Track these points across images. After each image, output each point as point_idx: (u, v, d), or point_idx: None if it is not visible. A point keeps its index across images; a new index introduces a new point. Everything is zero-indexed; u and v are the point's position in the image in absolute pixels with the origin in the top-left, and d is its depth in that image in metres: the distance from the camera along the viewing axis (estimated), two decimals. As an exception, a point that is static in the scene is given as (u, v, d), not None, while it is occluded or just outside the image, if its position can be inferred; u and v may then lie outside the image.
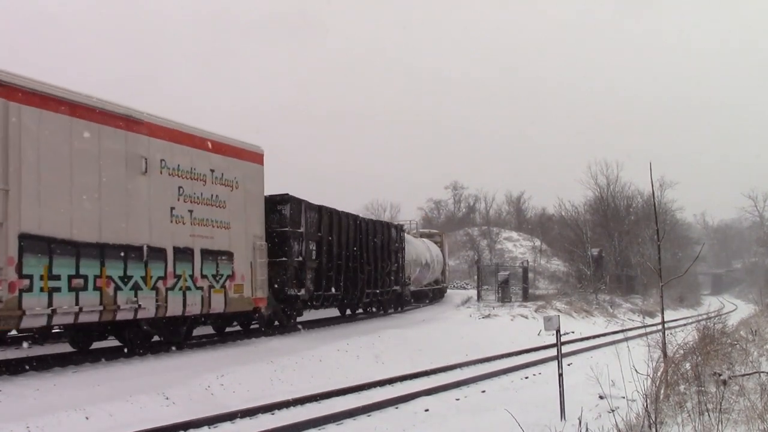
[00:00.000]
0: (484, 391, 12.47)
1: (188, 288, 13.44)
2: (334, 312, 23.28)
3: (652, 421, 6.50)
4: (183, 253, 13.37)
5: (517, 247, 71.37)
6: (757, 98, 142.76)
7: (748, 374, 8.69)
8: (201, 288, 13.83)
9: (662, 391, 7.95)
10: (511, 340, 20.89)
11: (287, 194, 17.45)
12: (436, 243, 36.90)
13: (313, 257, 18.59)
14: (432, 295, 35.50)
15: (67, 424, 8.18)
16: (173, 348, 13.85)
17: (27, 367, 10.86)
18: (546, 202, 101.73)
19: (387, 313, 25.92)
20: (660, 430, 6.65)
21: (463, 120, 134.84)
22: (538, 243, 70.76)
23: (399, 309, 27.65)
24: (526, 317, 26.49)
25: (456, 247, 59.49)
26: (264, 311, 16.44)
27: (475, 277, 42.93)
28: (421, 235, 37.79)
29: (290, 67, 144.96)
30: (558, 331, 9.72)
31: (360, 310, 24.82)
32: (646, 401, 6.89)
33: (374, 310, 25.37)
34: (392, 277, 25.22)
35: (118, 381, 10.40)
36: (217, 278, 14.39)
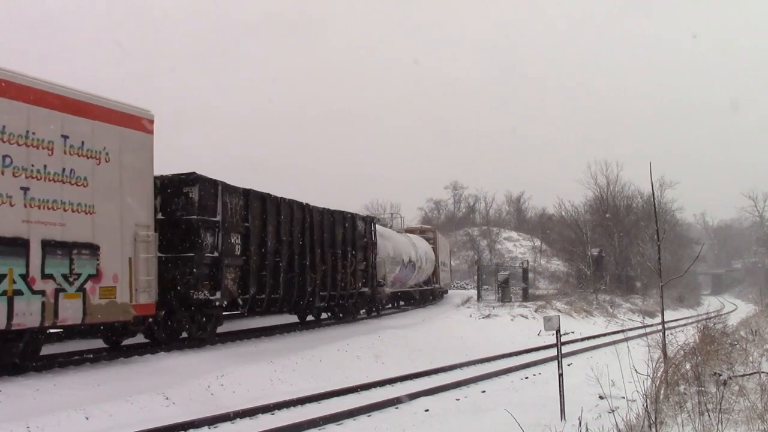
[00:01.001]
0: (484, 392, 12.47)
1: (18, 293, 9.89)
2: (290, 318, 20.26)
3: (652, 421, 6.51)
4: (9, 246, 9.86)
5: (517, 247, 71.42)
6: (758, 98, 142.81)
7: (748, 374, 8.69)
8: (41, 292, 10.27)
9: (662, 392, 7.95)
10: (511, 340, 20.90)
11: (194, 173, 13.79)
12: (428, 240, 34.28)
13: (237, 252, 14.94)
14: (419, 297, 32.53)
15: (67, 424, 8.18)
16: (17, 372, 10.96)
17: (27, 367, 10.84)
18: (546, 202, 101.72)
19: (356, 318, 22.48)
20: (660, 430, 6.65)
21: (464, 120, 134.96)
22: (538, 243, 70.82)
23: (373, 313, 24.58)
24: (526, 317, 26.50)
25: (456, 247, 59.51)
26: (155, 320, 13.20)
27: (475, 277, 42.93)
28: (411, 231, 35.07)
29: (290, 68, 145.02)
30: (558, 331, 9.72)
31: (325, 315, 21.32)
32: (646, 401, 6.89)
33: (341, 315, 21.56)
34: (359, 277, 21.75)
35: (118, 381, 10.40)
36: (71, 279, 10.84)
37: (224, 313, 15.52)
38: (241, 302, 15.33)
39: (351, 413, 9.80)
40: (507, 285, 34.46)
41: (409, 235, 31.78)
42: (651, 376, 7.91)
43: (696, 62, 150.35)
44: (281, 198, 17.04)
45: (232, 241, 14.87)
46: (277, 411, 9.92)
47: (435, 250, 34.55)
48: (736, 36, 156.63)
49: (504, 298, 33.30)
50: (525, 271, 38.60)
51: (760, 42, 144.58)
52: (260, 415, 9.63)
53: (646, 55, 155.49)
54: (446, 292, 41.11)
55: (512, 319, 25.86)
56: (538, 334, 21.88)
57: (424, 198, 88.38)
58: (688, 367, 8.95)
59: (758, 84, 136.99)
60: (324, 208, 19.60)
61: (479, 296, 35.61)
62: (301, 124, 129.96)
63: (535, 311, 27.84)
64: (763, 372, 8.62)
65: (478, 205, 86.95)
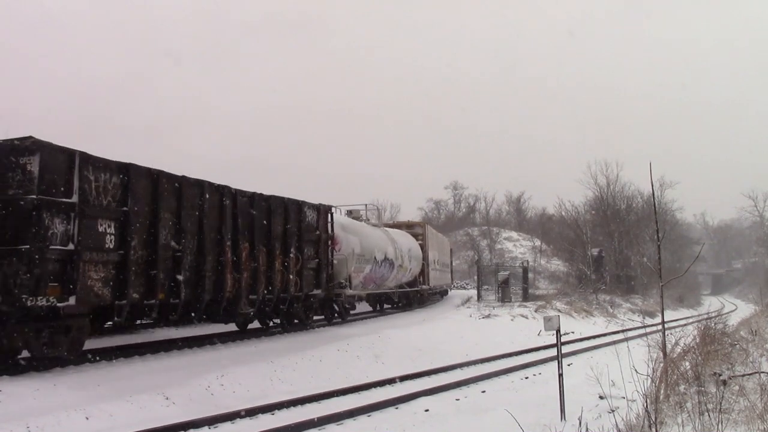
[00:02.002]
0: (484, 391, 12.47)
1: None
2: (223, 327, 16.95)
3: (652, 422, 6.51)
4: None
5: (517, 247, 71.43)
6: (758, 98, 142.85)
7: (748, 374, 8.69)
8: None
9: (662, 391, 7.96)
10: (511, 340, 20.90)
11: (32, 137, 10.39)
12: (416, 237, 31.10)
13: (109, 245, 11.54)
14: (401, 299, 29.32)
15: (67, 424, 8.18)
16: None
17: (27, 367, 10.84)
18: (546, 202, 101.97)
19: (311, 325, 18.91)
20: (660, 431, 6.65)
21: (464, 120, 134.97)
22: (538, 243, 70.82)
23: (336, 319, 21.06)
24: (526, 317, 26.51)
25: (456, 247, 59.45)
26: None
27: (475, 277, 42.89)
28: (396, 226, 32.30)
29: (290, 68, 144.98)
30: (558, 331, 9.72)
31: (273, 322, 18.41)
32: (646, 401, 6.89)
33: (287, 322, 18.26)
34: (309, 278, 18.24)
35: (118, 381, 10.41)
36: None
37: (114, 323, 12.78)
38: (116, 308, 11.82)
39: (351, 413, 9.79)
40: (507, 285, 34.45)
41: (388, 230, 28.07)
42: (651, 376, 7.91)
43: (697, 62, 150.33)
44: (183, 177, 13.41)
45: (101, 229, 11.45)
46: (277, 411, 9.92)
47: (424, 247, 31.34)
48: (737, 36, 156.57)
49: (504, 298, 33.29)
50: (525, 271, 38.59)
51: (760, 41, 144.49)
52: (260, 414, 9.63)
53: (646, 55, 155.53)
54: (446, 293, 40.33)
55: (512, 319, 25.87)
56: (538, 334, 21.88)
57: (424, 198, 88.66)
58: (688, 367, 8.96)
59: (759, 83, 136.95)
60: (255, 193, 15.86)
61: (479, 296, 35.61)
62: (301, 124, 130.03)
63: (535, 311, 27.84)
64: (763, 372, 8.63)
65: (478, 205, 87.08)
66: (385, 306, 28.73)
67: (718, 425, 6.45)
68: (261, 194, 16.18)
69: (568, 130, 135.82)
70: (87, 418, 8.48)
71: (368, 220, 26.81)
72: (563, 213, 55.97)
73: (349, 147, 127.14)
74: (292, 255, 17.34)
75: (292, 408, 10.18)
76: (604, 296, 38.59)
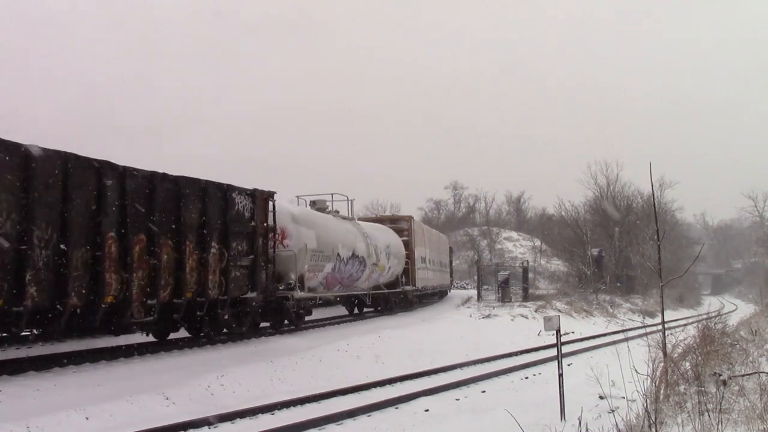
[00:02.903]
0: (484, 392, 12.47)
1: None
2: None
3: (652, 422, 6.51)
4: None
5: (517, 247, 71.43)
6: (758, 98, 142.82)
7: (748, 374, 8.69)
8: None
9: (662, 392, 7.96)
10: (511, 340, 20.90)
11: None
12: (400, 232, 27.45)
13: None
14: (377, 303, 25.42)
15: (67, 424, 8.18)
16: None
17: (27, 367, 10.84)
18: (546, 202, 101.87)
19: (241, 335, 15.84)
20: (660, 431, 6.65)
21: (464, 120, 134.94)
22: (538, 243, 70.82)
23: (288, 326, 17.86)
24: (526, 317, 26.51)
25: (456, 247, 59.46)
26: None
27: (475, 277, 42.89)
28: (379, 220, 28.77)
29: (290, 68, 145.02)
30: (558, 331, 9.72)
31: (178, 334, 15.10)
32: (646, 401, 6.89)
33: (213, 331, 15.16)
34: (240, 278, 15.15)
35: (118, 381, 10.40)
36: None
37: None
38: None
39: (351, 413, 9.80)
40: (507, 285, 34.45)
41: (360, 223, 24.26)
42: (651, 376, 7.91)
43: (697, 62, 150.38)
44: (30, 148, 10.07)
45: None
46: (277, 411, 9.93)
47: (410, 244, 27.73)
48: (737, 36, 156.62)
49: (504, 298, 33.29)
50: (525, 271, 38.58)
51: (760, 41, 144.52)
52: (260, 414, 9.63)
53: (646, 55, 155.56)
54: (445, 294, 38.98)
55: (512, 319, 25.87)
56: (538, 334, 21.87)
57: (424, 198, 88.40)
58: (688, 367, 8.96)
59: (759, 83, 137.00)
60: (156, 173, 12.73)
61: (479, 296, 35.60)
62: (301, 124, 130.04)
63: (535, 311, 27.85)
64: (763, 372, 8.62)
65: (478, 205, 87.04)
66: (365, 310, 25.45)
67: (718, 425, 6.45)
68: (165, 174, 12.99)
69: (568, 130, 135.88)
70: (87, 418, 8.48)
71: (337, 212, 22.68)
72: (563, 213, 56.04)
73: (349, 147, 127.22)
74: (213, 250, 14.16)
75: (292, 408, 10.18)
76: (604, 296, 38.59)
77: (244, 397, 10.58)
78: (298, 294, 17.42)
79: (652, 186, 9.90)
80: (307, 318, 19.00)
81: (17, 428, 7.72)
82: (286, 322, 17.81)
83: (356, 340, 15.99)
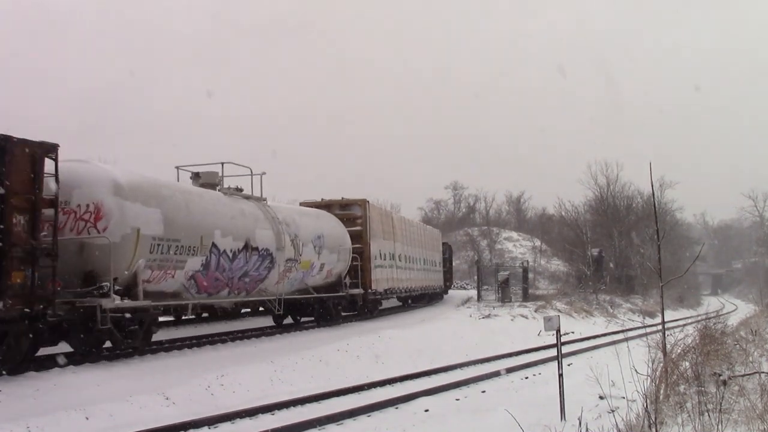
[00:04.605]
0: (484, 392, 12.48)
1: None
2: None
3: (652, 422, 6.51)
4: None
5: (517, 247, 71.40)
6: (758, 98, 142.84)
7: (748, 374, 8.70)
8: None
9: (662, 392, 7.95)
10: (511, 340, 20.91)
11: None
12: (350, 220, 22.47)
13: None
14: (301, 311, 20.29)
15: (67, 424, 8.18)
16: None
17: (27, 367, 10.84)
18: (546, 202, 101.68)
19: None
20: (660, 431, 6.65)
21: (464, 120, 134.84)
22: (538, 243, 70.81)
23: (107, 352, 12.54)
24: (526, 317, 26.52)
25: (456, 247, 59.46)
26: None
27: (475, 277, 42.89)
28: (325, 205, 22.65)
29: (290, 68, 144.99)
30: (558, 331, 9.72)
31: None
32: (646, 401, 6.89)
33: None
34: None
35: (118, 381, 10.42)
36: None
37: None
38: None
39: (351, 413, 9.81)
40: (507, 285, 34.45)
41: (272, 205, 18.03)
42: (651, 376, 7.91)
43: (696, 62, 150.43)
44: None
45: None
46: (277, 411, 9.93)
47: (365, 234, 22.59)
48: (737, 36, 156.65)
49: (504, 298, 33.31)
50: (525, 271, 38.60)
51: (760, 41, 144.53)
52: (260, 414, 9.64)
53: (646, 55, 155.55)
54: (440, 296, 36.89)
55: (512, 319, 25.88)
56: (538, 334, 21.86)
57: (424, 198, 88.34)
58: (688, 367, 8.96)
59: (759, 83, 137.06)
60: None
61: (479, 296, 35.62)
62: (300, 125, 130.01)
63: (535, 311, 27.85)
64: (763, 372, 8.63)
65: (478, 205, 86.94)
66: (302, 319, 20.69)
67: (718, 425, 6.45)
68: None
69: (568, 131, 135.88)
70: (87, 418, 8.49)
71: (238, 189, 17.19)
72: (563, 213, 56.02)
73: (349, 147, 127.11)
74: None
75: (292, 408, 10.19)
76: (604, 296, 38.60)
77: (245, 397, 10.58)
78: (118, 303, 11.83)
79: (652, 186, 9.90)
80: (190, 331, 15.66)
81: (17, 428, 7.73)
82: (119, 344, 12.49)
83: (356, 340, 15.99)
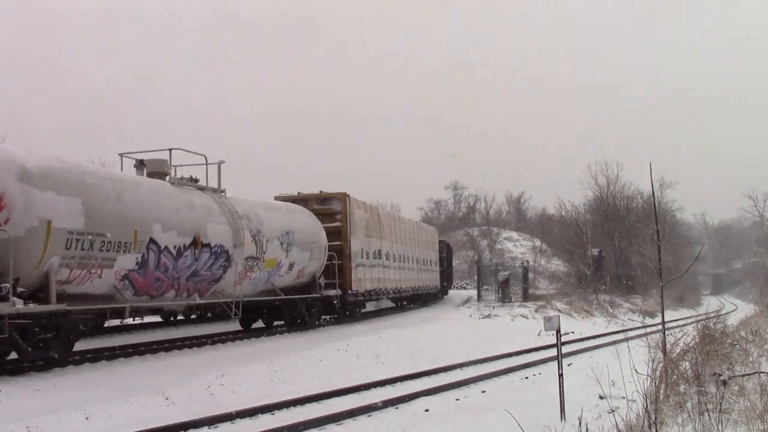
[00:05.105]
0: (484, 392, 12.47)
1: None
2: None
3: (652, 422, 6.51)
4: None
5: (517, 247, 71.36)
6: (758, 97, 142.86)
7: (748, 374, 8.70)
8: None
9: (662, 392, 7.96)
10: (511, 340, 20.90)
11: None
12: (333, 215, 20.93)
13: None
14: (274, 314, 18.70)
15: (67, 424, 8.19)
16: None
17: (27, 367, 10.84)
18: (546, 202, 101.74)
19: None
20: (660, 430, 6.65)
21: (464, 120, 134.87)
22: (538, 243, 70.78)
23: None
24: (526, 317, 26.52)
25: (456, 247, 59.47)
26: None
27: (475, 277, 42.89)
28: (296, 199, 20.73)
29: (290, 67, 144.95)
30: (558, 331, 9.72)
31: None
32: (646, 401, 6.90)
33: None
34: None
35: (118, 381, 10.41)
36: None
37: None
38: None
39: (351, 413, 9.80)
40: (507, 285, 34.45)
41: (232, 197, 16.02)
42: (651, 376, 7.91)
43: (697, 62, 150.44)
44: None
45: None
46: (277, 411, 9.93)
47: (345, 231, 20.81)
48: (737, 35, 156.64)
49: (504, 298, 33.30)
50: (525, 271, 38.60)
51: (761, 41, 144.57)
52: (260, 415, 9.63)
53: (646, 55, 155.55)
54: (438, 296, 35.73)
55: (512, 319, 25.88)
56: (538, 334, 21.87)
57: (424, 198, 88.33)
58: (688, 367, 8.96)
59: (759, 83, 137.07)
60: None
61: (479, 296, 35.61)
62: (300, 124, 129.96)
63: (535, 311, 27.85)
64: (763, 372, 8.63)
65: (478, 205, 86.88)
66: (275, 323, 19.03)
67: (718, 425, 6.45)
68: None
69: (568, 130, 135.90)
70: (87, 418, 8.48)
71: (193, 179, 15.35)
72: (563, 213, 56.00)
73: (349, 147, 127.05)
74: None
75: (292, 408, 10.18)
76: (604, 296, 38.60)
77: (245, 397, 10.58)
78: (18, 308, 10.06)
79: (652, 186, 9.92)
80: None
81: (17, 428, 7.73)
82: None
83: (356, 340, 15.99)
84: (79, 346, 13.30)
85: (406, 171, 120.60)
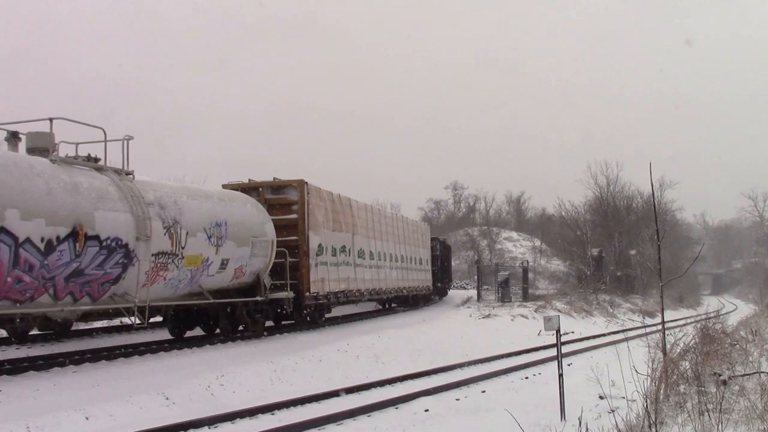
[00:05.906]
0: (484, 392, 12.47)
1: None
2: None
3: (652, 422, 6.51)
4: None
5: (517, 247, 71.37)
6: (758, 97, 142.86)
7: (748, 374, 8.70)
8: None
9: (662, 392, 7.96)
10: (511, 340, 20.91)
11: None
12: (288, 207, 18.24)
13: None
14: (209, 321, 16.32)
15: (67, 424, 8.18)
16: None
17: (27, 367, 10.84)
18: (546, 202, 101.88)
19: None
20: (660, 431, 6.66)
21: (464, 120, 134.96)
22: (538, 243, 70.81)
23: None
24: (526, 317, 26.52)
25: (456, 247, 59.50)
26: None
27: (475, 277, 42.88)
28: (245, 187, 18.11)
29: (291, 69, 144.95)
30: (558, 331, 9.72)
31: None
32: (646, 401, 6.90)
33: None
34: None
35: (118, 381, 10.41)
36: None
37: None
38: None
39: (351, 413, 9.80)
40: (507, 285, 34.46)
41: (143, 180, 13.14)
42: (651, 376, 7.91)
43: (697, 62, 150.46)
44: None
45: None
46: (277, 411, 9.93)
47: (303, 223, 18.09)
48: (737, 35, 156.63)
49: (504, 298, 33.31)
50: (525, 271, 38.60)
51: (761, 41, 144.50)
52: (260, 414, 9.63)
53: (646, 55, 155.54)
54: (429, 298, 33.40)
55: (512, 319, 25.88)
56: (538, 334, 21.87)
57: (424, 198, 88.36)
58: (688, 367, 8.96)
59: (759, 83, 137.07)
60: None
61: (479, 296, 35.61)
62: (301, 125, 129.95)
63: (535, 311, 27.85)
64: (763, 372, 8.63)
65: (478, 205, 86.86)
66: (188, 333, 16.31)
67: (718, 425, 6.45)
68: None
69: (568, 130, 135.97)
70: (87, 418, 8.48)
71: (92, 158, 12.43)
72: (563, 213, 56.05)
73: (349, 147, 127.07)
74: None
75: (292, 408, 10.18)
76: (604, 296, 38.60)
77: (245, 397, 10.58)
78: None
79: (652, 186, 9.92)
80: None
81: (17, 428, 7.73)
82: None
83: (356, 340, 15.99)
84: (80, 346, 13.32)
85: (406, 171, 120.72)
